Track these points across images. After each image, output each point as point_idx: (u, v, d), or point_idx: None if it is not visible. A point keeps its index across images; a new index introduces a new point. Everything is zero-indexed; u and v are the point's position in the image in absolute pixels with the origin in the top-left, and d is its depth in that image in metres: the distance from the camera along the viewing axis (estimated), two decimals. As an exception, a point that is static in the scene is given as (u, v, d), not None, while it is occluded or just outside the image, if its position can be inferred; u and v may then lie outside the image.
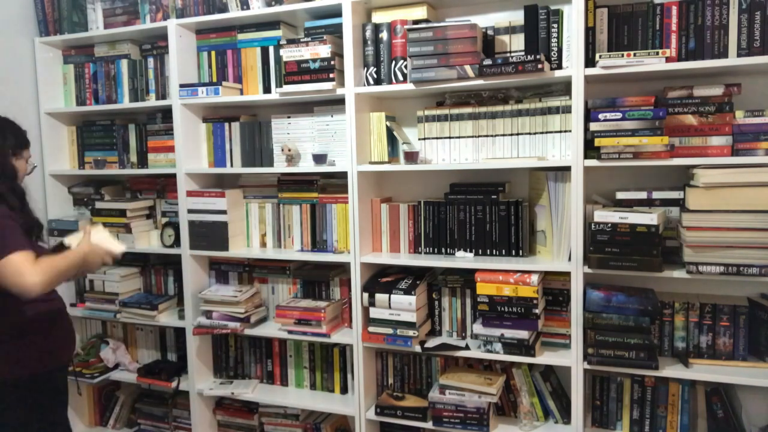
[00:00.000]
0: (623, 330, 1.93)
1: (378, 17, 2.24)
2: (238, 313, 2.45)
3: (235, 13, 2.38)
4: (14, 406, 1.83)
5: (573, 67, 1.92)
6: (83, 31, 2.71)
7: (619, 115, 1.88)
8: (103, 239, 1.86)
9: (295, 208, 2.44)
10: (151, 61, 2.64)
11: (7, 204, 1.78)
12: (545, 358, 2.06)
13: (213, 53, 2.54)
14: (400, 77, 2.19)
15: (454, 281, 2.24)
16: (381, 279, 2.28)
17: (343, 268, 2.47)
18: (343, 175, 2.29)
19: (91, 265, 1.83)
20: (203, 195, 2.50)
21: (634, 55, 1.85)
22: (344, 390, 2.48)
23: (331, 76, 2.22)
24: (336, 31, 2.26)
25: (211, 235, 2.48)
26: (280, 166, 2.41)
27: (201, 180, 2.61)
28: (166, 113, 2.60)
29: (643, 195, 2.01)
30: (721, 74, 1.94)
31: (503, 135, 2.11)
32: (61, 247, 1.87)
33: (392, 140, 2.31)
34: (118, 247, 1.89)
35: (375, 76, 2.24)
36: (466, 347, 2.17)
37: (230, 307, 2.47)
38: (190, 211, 2.52)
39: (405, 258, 2.25)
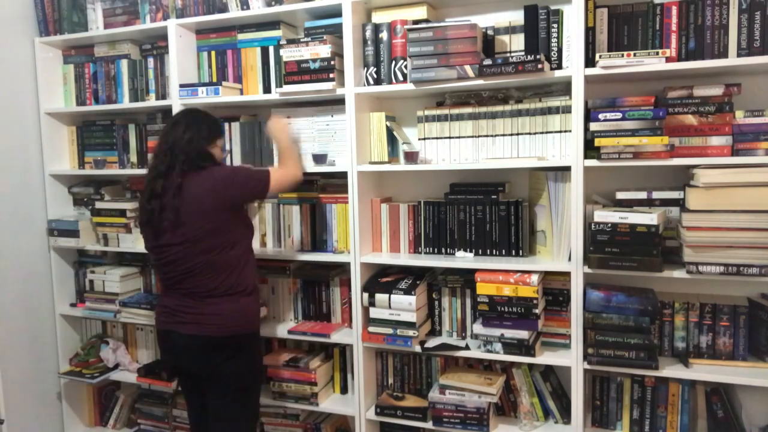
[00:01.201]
0: (623, 330, 1.93)
1: (378, 17, 2.24)
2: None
3: (235, 13, 2.38)
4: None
5: (573, 67, 1.92)
6: (83, 31, 2.71)
7: (619, 115, 1.88)
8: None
9: (294, 208, 2.44)
10: (151, 61, 2.64)
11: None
12: (545, 358, 2.06)
13: (213, 53, 2.54)
14: (400, 77, 2.19)
15: (454, 281, 2.24)
16: (381, 279, 2.28)
17: (343, 268, 2.47)
18: (343, 175, 2.29)
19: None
20: (203, 195, 2.49)
21: (634, 55, 1.84)
22: (344, 390, 2.48)
23: (331, 76, 2.22)
24: (336, 31, 2.26)
25: (211, 235, 2.47)
26: (280, 166, 2.41)
27: (201, 180, 2.61)
28: (166, 113, 2.59)
29: (643, 195, 2.01)
30: (721, 74, 1.94)
31: (503, 135, 2.11)
32: None
33: (392, 140, 2.31)
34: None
35: (375, 76, 2.24)
36: (466, 347, 2.17)
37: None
38: (190, 211, 2.52)
39: (405, 258, 2.25)
